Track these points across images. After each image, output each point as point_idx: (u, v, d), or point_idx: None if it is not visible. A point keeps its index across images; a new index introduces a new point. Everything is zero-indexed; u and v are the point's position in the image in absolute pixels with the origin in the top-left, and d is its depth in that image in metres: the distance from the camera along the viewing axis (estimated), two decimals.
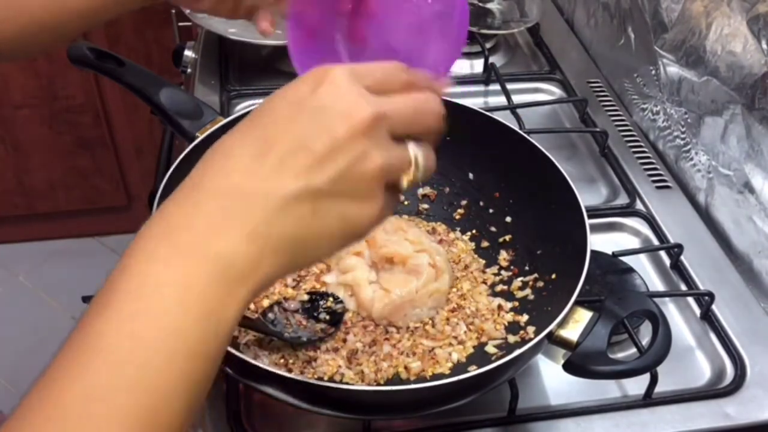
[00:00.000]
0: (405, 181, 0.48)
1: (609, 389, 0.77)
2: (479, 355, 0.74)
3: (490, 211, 0.88)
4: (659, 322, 0.65)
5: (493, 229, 0.87)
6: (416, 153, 0.48)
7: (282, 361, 0.71)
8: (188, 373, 0.39)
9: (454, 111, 0.87)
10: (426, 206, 0.91)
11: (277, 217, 0.42)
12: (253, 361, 0.61)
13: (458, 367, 0.73)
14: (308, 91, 0.44)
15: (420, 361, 0.72)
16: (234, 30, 1.17)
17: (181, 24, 1.34)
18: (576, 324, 0.65)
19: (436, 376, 0.71)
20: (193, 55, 1.23)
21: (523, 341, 0.73)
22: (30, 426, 0.36)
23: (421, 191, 0.92)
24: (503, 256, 0.84)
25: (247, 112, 0.85)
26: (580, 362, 0.63)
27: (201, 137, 0.82)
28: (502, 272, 0.83)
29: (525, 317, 0.77)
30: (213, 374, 0.41)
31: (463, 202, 0.90)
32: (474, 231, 0.88)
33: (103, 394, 0.37)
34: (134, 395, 0.37)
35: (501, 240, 0.86)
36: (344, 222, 0.44)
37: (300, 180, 0.42)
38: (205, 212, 0.42)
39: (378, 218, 0.46)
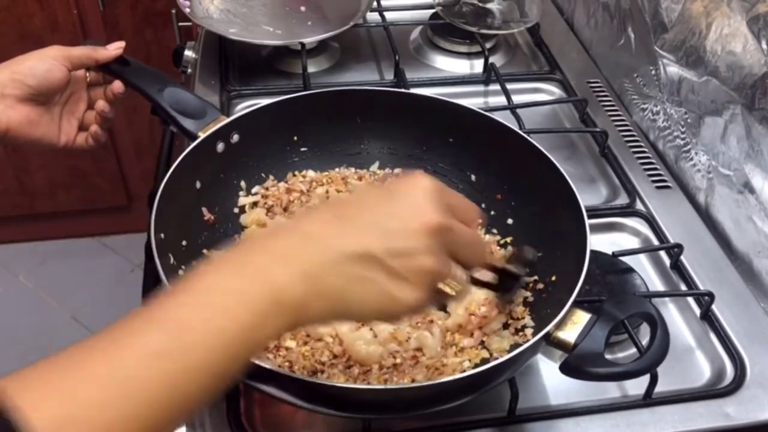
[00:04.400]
0: (447, 289, 0.55)
1: (609, 389, 0.77)
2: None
3: (492, 213, 0.88)
4: (657, 325, 0.65)
5: (494, 231, 0.87)
6: (461, 274, 0.55)
7: (287, 365, 0.71)
8: (214, 366, 0.45)
9: (455, 111, 0.89)
10: None
11: (332, 266, 0.49)
12: (254, 361, 0.61)
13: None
14: (399, 188, 0.54)
15: (426, 371, 0.72)
16: (234, 30, 1.17)
17: (181, 24, 1.34)
18: (574, 326, 0.65)
19: None
20: (193, 55, 1.23)
21: (522, 342, 0.73)
22: (81, 368, 0.42)
23: None
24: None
25: (253, 111, 0.86)
26: (577, 364, 0.63)
27: (203, 136, 0.82)
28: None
29: (524, 318, 0.77)
30: (232, 376, 0.47)
31: None
32: None
33: (147, 356, 0.43)
34: (169, 363, 0.43)
35: (503, 242, 0.86)
36: (385, 295, 0.51)
37: (363, 245, 0.50)
38: (277, 248, 0.50)
39: (415, 307, 0.52)
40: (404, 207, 0.52)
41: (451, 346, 0.75)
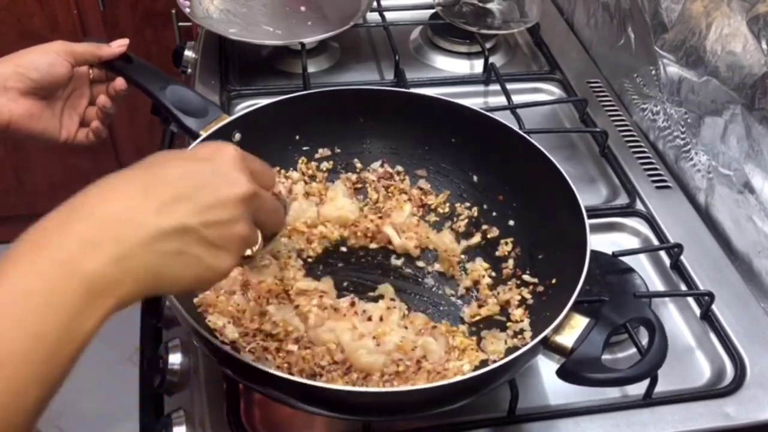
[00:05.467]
0: (249, 252, 0.59)
1: (609, 389, 0.77)
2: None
3: (494, 214, 0.88)
4: (655, 330, 0.65)
5: (496, 231, 0.87)
6: (259, 237, 0.59)
7: (286, 366, 0.71)
8: (42, 374, 0.42)
9: (457, 111, 0.89)
10: (432, 213, 0.91)
11: (145, 247, 0.47)
12: (254, 364, 0.61)
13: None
14: (202, 156, 0.54)
15: (428, 375, 0.72)
16: (234, 30, 1.17)
17: (181, 24, 1.34)
18: (572, 330, 0.64)
19: None
20: (194, 55, 1.23)
21: (521, 345, 0.73)
22: None
23: (433, 201, 0.91)
24: (506, 264, 0.84)
25: (255, 110, 0.86)
26: (574, 369, 0.63)
27: (205, 135, 0.82)
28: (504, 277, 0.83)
29: (523, 321, 0.77)
30: (64, 377, 0.44)
31: (467, 205, 0.90)
32: (478, 236, 0.88)
33: None
34: None
35: (504, 242, 0.86)
36: (202, 266, 0.51)
37: (177, 219, 0.49)
38: (79, 231, 0.46)
39: (226, 273, 0.53)
40: (214, 177, 0.52)
41: (454, 350, 0.75)
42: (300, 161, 0.92)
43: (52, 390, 0.43)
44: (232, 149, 0.55)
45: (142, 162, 0.53)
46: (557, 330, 0.64)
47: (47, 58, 0.81)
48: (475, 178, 0.91)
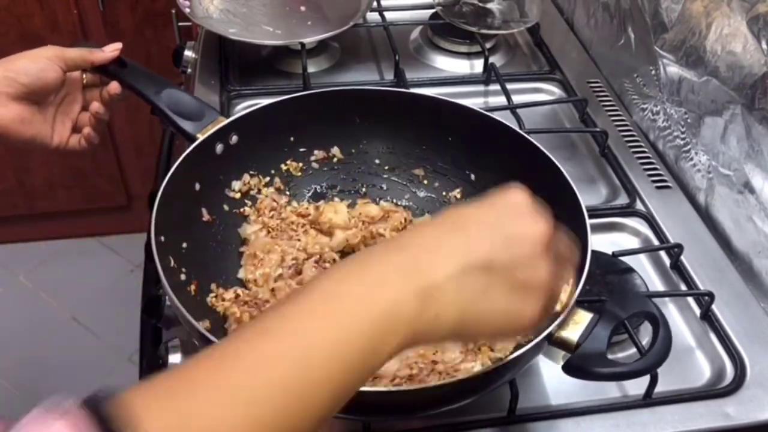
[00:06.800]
0: (564, 296, 0.54)
1: (609, 389, 0.77)
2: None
3: None
4: (659, 324, 0.65)
5: None
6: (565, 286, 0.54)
7: None
8: (333, 382, 0.43)
9: (455, 111, 0.89)
10: (430, 207, 0.92)
11: (452, 282, 0.46)
12: None
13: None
14: (499, 199, 0.52)
15: (439, 376, 0.72)
16: (234, 30, 1.17)
17: (181, 24, 1.34)
18: (576, 325, 0.65)
19: None
20: (193, 55, 1.23)
21: (524, 343, 0.73)
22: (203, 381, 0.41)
23: (424, 193, 0.92)
24: None
25: (251, 112, 0.86)
26: (580, 364, 0.63)
27: (202, 138, 0.82)
28: None
29: None
30: (347, 396, 0.45)
31: (466, 202, 0.90)
32: None
33: (263, 367, 0.42)
34: (290, 368, 0.42)
35: None
36: (507, 310, 0.48)
37: (483, 254, 0.47)
38: (393, 258, 0.47)
39: (536, 320, 0.50)
40: (517, 216, 0.50)
41: (471, 351, 0.74)
42: (288, 162, 0.92)
43: (343, 396, 0.44)
44: (524, 191, 0.53)
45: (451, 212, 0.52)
46: (561, 325, 0.64)
47: (38, 63, 0.81)
48: (472, 176, 0.91)
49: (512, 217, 0.50)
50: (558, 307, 0.54)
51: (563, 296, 0.54)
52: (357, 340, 0.44)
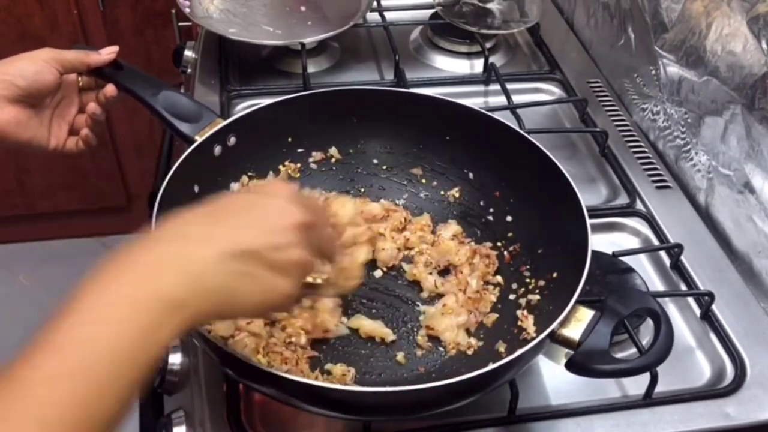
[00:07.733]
0: (310, 280, 0.64)
1: (609, 389, 0.77)
2: (488, 351, 0.75)
3: (491, 210, 0.88)
4: (661, 321, 0.65)
5: (494, 228, 0.87)
6: (324, 267, 0.64)
7: (285, 367, 0.71)
8: (120, 376, 0.46)
9: (455, 111, 0.89)
10: (428, 207, 0.92)
11: (213, 266, 0.51)
12: (255, 363, 0.61)
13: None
14: (263, 192, 0.61)
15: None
16: (234, 30, 1.17)
17: (181, 24, 1.34)
18: (578, 323, 0.65)
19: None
20: (193, 55, 1.23)
21: (525, 341, 0.73)
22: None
23: (422, 192, 0.92)
24: (505, 258, 0.84)
25: (248, 113, 0.86)
26: (583, 361, 0.63)
27: (200, 140, 0.82)
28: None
29: (527, 317, 0.77)
30: (138, 382, 0.48)
31: (464, 201, 0.90)
32: (476, 230, 0.88)
33: (52, 380, 0.44)
34: (76, 383, 0.44)
35: (502, 239, 0.86)
36: (267, 288, 0.54)
37: (243, 242, 0.53)
38: (156, 254, 0.51)
39: (290, 297, 0.57)
40: (272, 208, 0.57)
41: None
42: (287, 164, 0.92)
43: (129, 393, 0.47)
44: (286, 186, 0.62)
45: (207, 204, 0.57)
46: (563, 323, 0.64)
47: (34, 65, 0.81)
48: (470, 175, 0.91)
49: (269, 210, 0.57)
50: (310, 279, 0.64)
51: (318, 276, 0.65)
52: (137, 339, 0.47)
